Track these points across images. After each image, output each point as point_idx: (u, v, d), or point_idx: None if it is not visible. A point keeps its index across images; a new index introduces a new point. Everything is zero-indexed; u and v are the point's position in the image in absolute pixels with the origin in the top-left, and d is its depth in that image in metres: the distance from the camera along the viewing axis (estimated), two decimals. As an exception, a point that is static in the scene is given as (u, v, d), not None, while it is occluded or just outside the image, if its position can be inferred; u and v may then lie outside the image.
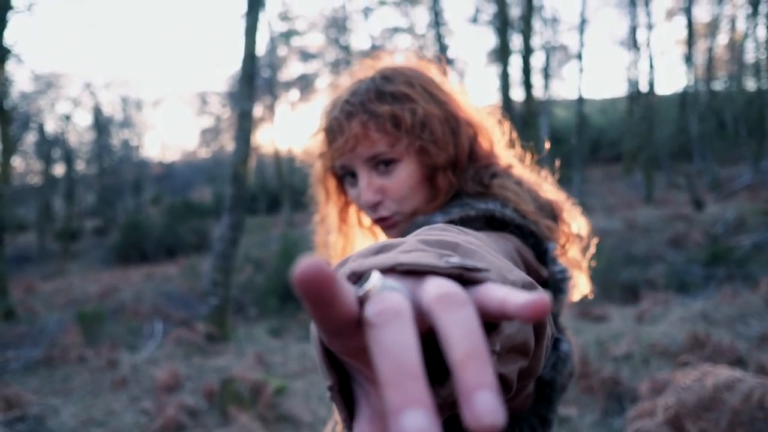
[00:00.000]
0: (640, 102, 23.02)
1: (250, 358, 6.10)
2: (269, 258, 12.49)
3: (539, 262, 0.86)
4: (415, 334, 0.31)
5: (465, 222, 0.86)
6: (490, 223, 0.86)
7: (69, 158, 26.83)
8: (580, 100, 22.83)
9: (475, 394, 0.28)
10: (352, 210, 1.15)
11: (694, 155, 21.78)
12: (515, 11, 17.75)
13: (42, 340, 7.40)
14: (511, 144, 1.12)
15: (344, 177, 1.06)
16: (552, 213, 0.95)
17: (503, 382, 0.44)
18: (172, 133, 58.24)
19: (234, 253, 7.52)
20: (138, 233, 19.04)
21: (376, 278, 0.35)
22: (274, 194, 26.06)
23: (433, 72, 1.05)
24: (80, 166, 31.16)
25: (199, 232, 19.64)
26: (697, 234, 11.49)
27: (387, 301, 0.32)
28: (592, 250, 1.06)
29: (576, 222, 1.01)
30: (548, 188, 1.03)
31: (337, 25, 26.98)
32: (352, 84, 1.03)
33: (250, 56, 7.20)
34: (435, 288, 0.34)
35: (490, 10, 22.10)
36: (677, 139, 24.05)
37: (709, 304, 5.91)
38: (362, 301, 0.35)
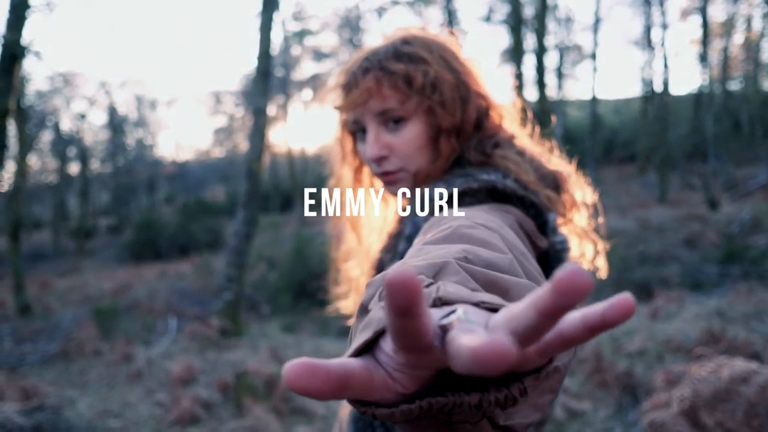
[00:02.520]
0: (655, 102, 22.87)
1: (264, 353, 6.13)
2: (282, 256, 12.53)
3: (540, 232, 0.87)
4: None
5: (468, 194, 0.88)
6: (491, 195, 0.89)
7: (84, 157, 27.06)
8: (594, 100, 22.71)
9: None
10: (366, 172, 1.18)
11: (709, 155, 21.59)
12: (529, 10, 17.68)
13: (58, 335, 7.47)
14: (524, 123, 1.14)
15: (357, 134, 1.09)
16: (555, 183, 0.97)
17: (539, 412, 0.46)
18: (185, 132, 58.58)
19: (248, 249, 7.57)
20: (152, 231, 19.17)
21: (461, 312, 0.36)
22: (286, 193, 26.13)
23: (454, 45, 1.07)
24: (95, 164, 31.42)
25: (213, 230, 19.74)
26: (712, 234, 11.40)
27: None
28: (606, 247, 1.07)
29: (581, 191, 1.03)
30: (552, 159, 1.06)
31: (351, 24, 27.02)
32: (373, 46, 1.07)
33: (265, 53, 7.25)
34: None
35: (504, 9, 22.04)
36: (692, 140, 23.84)
37: (724, 302, 5.87)
38: (444, 328, 0.36)
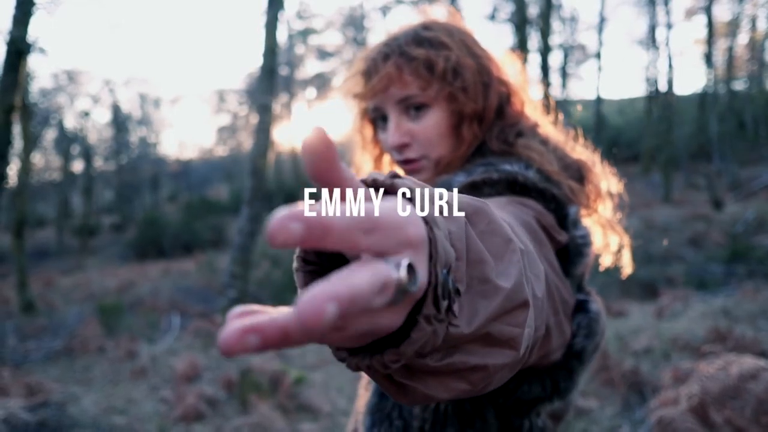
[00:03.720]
0: (659, 102, 22.82)
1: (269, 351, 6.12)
2: (286, 254, 12.51)
3: (560, 226, 0.84)
4: None
5: (487, 184, 0.86)
6: (511, 187, 0.86)
7: (88, 155, 27.10)
8: (598, 100, 22.68)
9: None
10: (386, 160, 1.16)
11: (713, 155, 21.54)
12: (533, 9, 17.66)
13: (61, 332, 7.48)
14: (547, 110, 1.12)
15: (377, 122, 1.07)
16: (579, 173, 0.94)
17: (479, 369, 0.42)
18: (189, 130, 58.57)
19: (253, 246, 7.57)
20: (155, 229, 19.19)
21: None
22: (290, 192, 26.14)
23: (474, 32, 1.05)
24: (98, 162, 31.45)
25: (216, 228, 19.76)
26: (717, 234, 11.38)
27: None
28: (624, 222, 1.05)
29: (606, 181, 1.00)
30: (577, 147, 1.03)
31: (355, 23, 27.03)
32: (393, 32, 1.05)
33: (270, 50, 7.25)
34: None
35: (508, 8, 22.00)
36: (696, 140, 23.79)
37: (730, 301, 5.85)
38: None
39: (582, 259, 0.84)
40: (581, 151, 1.02)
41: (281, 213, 0.29)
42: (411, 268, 0.33)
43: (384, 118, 1.04)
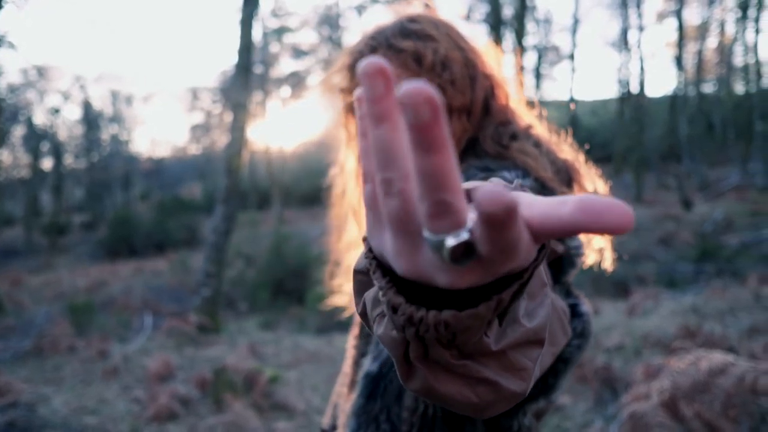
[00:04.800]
0: (631, 103, 23.16)
1: (243, 349, 6.09)
2: (260, 254, 12.47)
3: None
4: None
5: None
6: None
7: (57, 152, 26.65)
8: (572, 101, 22.91)
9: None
10: None
11: (683, 156, 21.94)
12: (508, 10, 17.80)
13: (30, 331, 7.34)
14: (530, 105, 1.11)
15: None
16: (567, 175, 0.94)
17: (489, 384, 0.43)
18: (162, 128, 57.90)
19: (227, 245, 7.51)
20: (127, 228, 18.94)
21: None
22: (264, 191, 26.00)
23: (459, 25, 1.05)
24: (69, 160, 30.94)
25: (189, 228, 19.57)
26: (686, 233, 11.59)
27: None
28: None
29: (592, 183, 0.99)
30: (564, 148, 1.02)
31: (330, 22, 26.95)
32: (378, 25, 1.04)
33: (245, 48, 7.19)
34: None
35: (483, 8, 22.15)
36: (667, 141, 24.19)
37: (700, 299, 5.97)
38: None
39: (573, 269, 0.85)
40: (568, 151, 1.01)
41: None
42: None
43: None
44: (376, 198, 0.37)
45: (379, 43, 0.98)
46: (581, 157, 1.02)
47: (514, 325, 0.43)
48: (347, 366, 0.97)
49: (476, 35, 1.07)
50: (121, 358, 5.86)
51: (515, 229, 0.31)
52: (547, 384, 0.83)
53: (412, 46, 0.96)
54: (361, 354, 0.94)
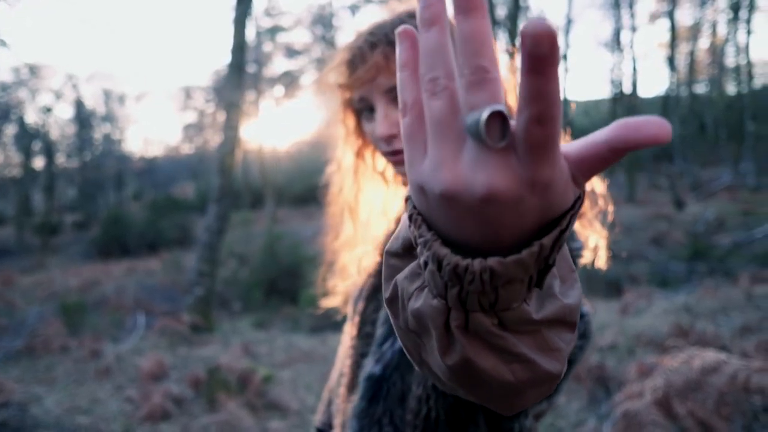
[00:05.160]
0: (623, 104, 23.25)
1: (237, 349, 6.08)
2: (253, 253, 12.44)
3: None
4: None
5: None
6: None
7: (49, 151, 26.50)
8: (565, 102, 22.95)
9: None
10: (369, 153, 1.13)
11: (675, 157, 22.05)
12: (501, 11, 17.83)
13: (22, 331, 7.30)
14: None
15: (362, 113, 1.03)
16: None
17: (524, 362, 0.43)
18: (155, 128, 57.73)
19: (220, 244, 7.49)
20: (120, 227, 18.85)
21: None
22: (257, 191, 25.95)
23: None
24: (61, 159, 30.78)
25: (182, 227, 19.49)
26: (678, 233, 11.65)
27: None
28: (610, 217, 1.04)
29: (590, 182, 0.98)
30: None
31: (324, 21, 26.93)
32: (377, 20, 1.03)
33: (239, 47, 7.18)
34: None
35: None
36: (659, 141, 24.27)
37: (692, 298, 6.00)
38: None
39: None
40: None
41: None
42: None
43: (371, 109, 1.01)
44: (416, 128, 0.39)
45: (379, 39, 0.97)
46: None
47: (551, 298, 0.43)
48: (345, 366, 0.96)
49: None
50: (113, 358, 5.83)
51: (555, 76, 0.32)
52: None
53: None
54: (360, 354, 0.93)
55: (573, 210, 0.38)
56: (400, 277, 0.46)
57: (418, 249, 0.41)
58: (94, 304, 9.68)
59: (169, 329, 6.79)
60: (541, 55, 0.31)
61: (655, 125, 0.33)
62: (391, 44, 0.95)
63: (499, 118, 0.33)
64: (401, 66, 0.40)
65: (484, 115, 0.33)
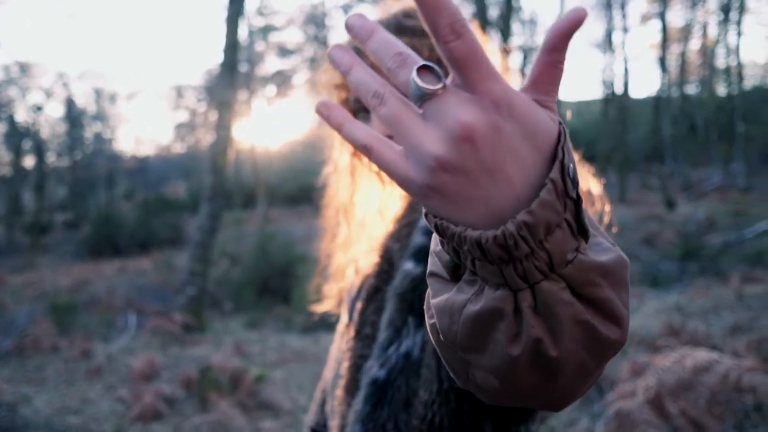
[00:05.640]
0: (615, 104, 23.33)
1: (228, 348, 6.05)
2: (245, 253, 12.41)
3: None
4: None
5: None
6: None
7: (40, 150, 26.33)
8: (557, 103, 23.00)
9: None
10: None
11: (666, 157, 22.16)
12: (494, 11, 17.87)
13: (12, 331, 7.25)
14: None
15: (358, 113, 1.01)
16: None
17: (586, 327, 0.42)
18: (146, 127, 57.49)
19: (212, 243, 7.47)
20: (111, 227, 18.75)
21: None
22: (250, 190, 25.88)
23: None
24: (51, 158, 30.61)
25: (174, 227, 19.41)
26: (669, 233, 11.70)
27: None
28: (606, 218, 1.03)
29: (587, 181, 0.98)
30: None
31: (316, 21, 26.91)
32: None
33: (231, 46, 7.15)
34: None
35: (469, 9, 22.21)
36: (650, 141, 24.42)
37: (683, 298, 6.03)
38: None
39: None
40: None
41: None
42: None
43: (367, 110, 0.99)
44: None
45: None
46: (577, 155, 1.01)
47: (606, 250, 0.43)
48: (343, 368, 0.95)
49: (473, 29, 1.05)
50: (104, 358, 5.80)
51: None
52: None
53: (408, 42, 0.93)
54: (359, 356, 0.92)
55: (561, 141, 0.40)
56: (442, 300, 0.46)
57: (460, 251, 0.42)
58: (85, 303, 9.63)
59: (160, 329, 6.76)
60: None
61: (572, 13, 0.38)
62: None
63: (426, 69, 0.38)
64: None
65: (413, 73, 0.37)
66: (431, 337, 0.50)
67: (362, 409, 0.87)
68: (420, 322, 0.82)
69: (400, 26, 0.96)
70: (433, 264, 0.49)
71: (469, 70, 0.37)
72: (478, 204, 0.40)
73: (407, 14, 0.99)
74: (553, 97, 0.41)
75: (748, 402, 2.65)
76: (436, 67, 0.38)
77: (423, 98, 0.38)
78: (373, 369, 0.86)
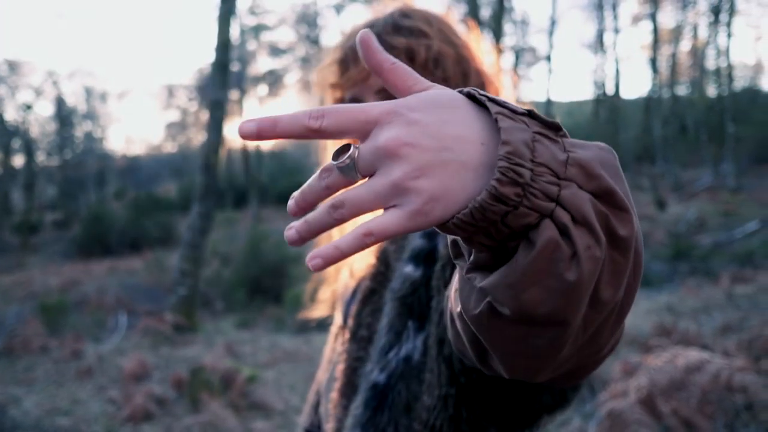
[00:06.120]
0: (606, 105, 23.45)
1: (220, 349, 6.03)
2: (236, 252, 12.37)
3: None
4: None
5: None
6: None
7: (29, 149, 26.17)
8: (549, 103, 23.10)
9: None
10: None
11: (656, 158, 22.27)
12: (486, 11, 17.90)
13: (1, 331, 7.20)
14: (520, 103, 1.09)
15: None
16: None
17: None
18: (137, 126, 57.27)
19: (204, 243, 7.44)
20: (101, 226, 18.64)
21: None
22: (241, 189, 25.81)
23: (452, 20, 1.03)
24: (41, 157, 30.41)
25: (165, 226, 19.32)
26: (660, 233, 11.75)
27: None
28: None
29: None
30: None
31: (308, 20, 26.86)
32: (369, 18, 1.01)
33: (223, 45, 7.12)
34: None
35: (461, 9, 22.24)
36: (641, 142, 24.53)
37: (674, 297, 6.05)
38: None
39: None
40: None
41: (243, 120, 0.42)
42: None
43: None
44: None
45: None
46: None
47: (580, 145, 0.44)
48: (338, 371, 0.94)
49: (468, 28, 1.05)
50: (95, 358, 5.77)
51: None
52: (566, 397, 0.80)
53: (405, 42, 0.94)
54: (354, 359, 0.91)
55: (471, 91, 0.44)
56: (491, 277, 0.44)
57: (492, 229, 0.41)
58: (75, 303, 9.57)
59: (151, 329, 6.72)
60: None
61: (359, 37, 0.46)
62: (384, 44, 0.93)
63: (341, 151, 0.43)
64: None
65: (334, 164, 0.42)
66: (460, 329, 0.52)
67: (362, 413, 0.85)
68: (420, 326, 0.81)
69: (396, 25, 0.96)
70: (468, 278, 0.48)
71: (348, 130, 0.43)
72: (460, 177, 0.41)
73: (404, 14, 0.98)
74: (420, 81, 0.47)
75: (739, 401, 2.66)
76: (345, 144, 0.42)
77: (353, 169, 0.42)
78: (373, 373, 0.85)
